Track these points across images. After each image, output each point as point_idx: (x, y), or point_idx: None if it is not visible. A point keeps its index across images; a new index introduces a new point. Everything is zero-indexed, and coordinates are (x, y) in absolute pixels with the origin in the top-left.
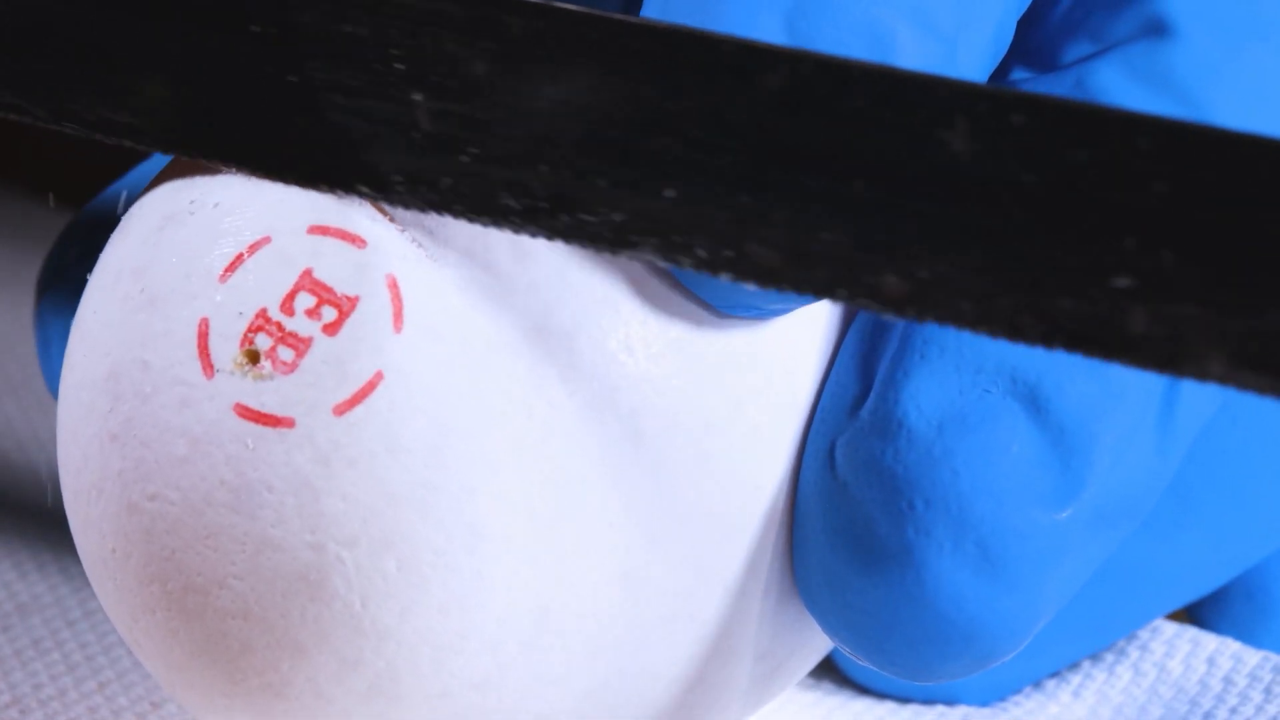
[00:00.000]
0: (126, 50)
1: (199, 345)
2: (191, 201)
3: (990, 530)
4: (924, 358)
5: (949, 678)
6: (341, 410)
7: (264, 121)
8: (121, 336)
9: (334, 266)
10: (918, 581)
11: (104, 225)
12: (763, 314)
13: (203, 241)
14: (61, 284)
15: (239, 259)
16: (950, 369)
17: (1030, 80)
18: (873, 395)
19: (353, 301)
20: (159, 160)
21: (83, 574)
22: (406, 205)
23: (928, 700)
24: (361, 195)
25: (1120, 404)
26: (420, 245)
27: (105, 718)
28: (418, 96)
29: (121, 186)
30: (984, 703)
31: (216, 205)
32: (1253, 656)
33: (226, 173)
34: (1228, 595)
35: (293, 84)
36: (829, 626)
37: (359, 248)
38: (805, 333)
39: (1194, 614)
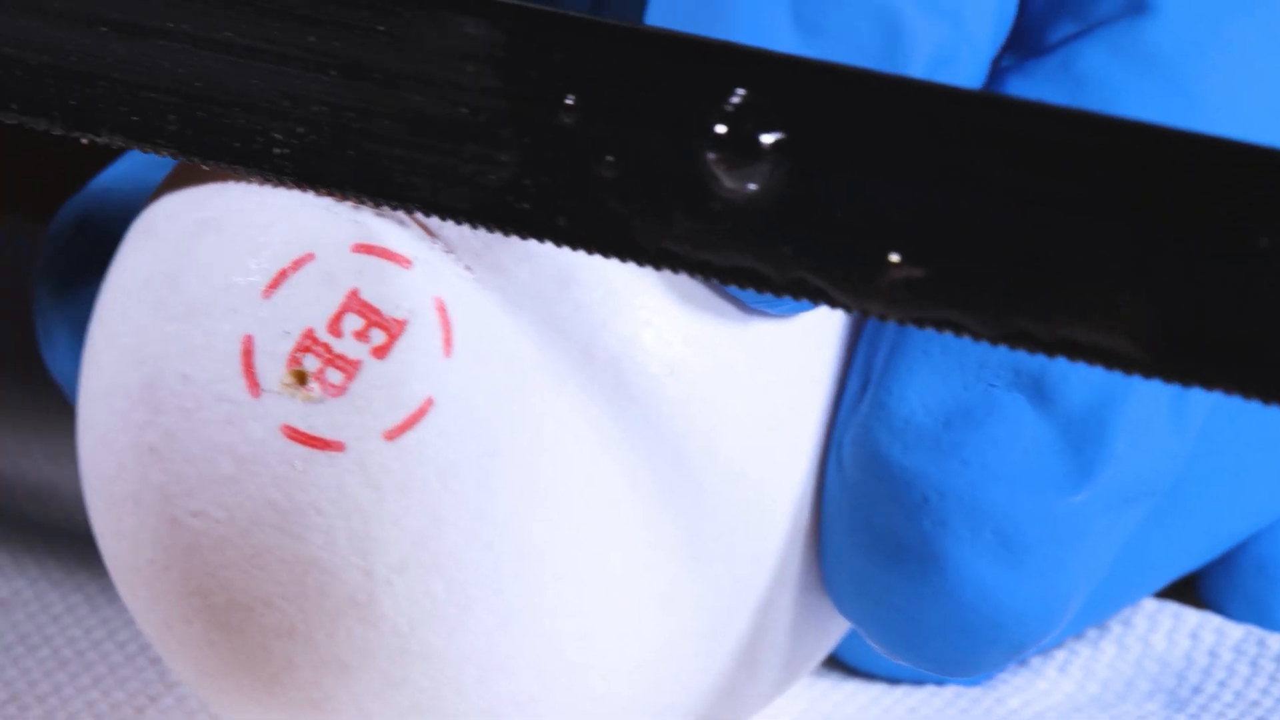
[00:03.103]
0: (1101, 264)
1: (244, 363)
2: (223, 209)
3: (1006, 517)
4: (926, 354)
5: (985, 670)
6: (392, 435)
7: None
8: (157, 346)
9: (380, 287)
10: (940, 573)
11: (101, 215)
12: (793, 309)
13: (241, 253)
14: (59, 272)
15: (282, 275)
16: (953, 364)
17: (1016, 65)
18: (877, 391)
19: (401, 325)
20: (145, 156)
21: (62, 569)
22: None
23: (917, 681)
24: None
25: (1130, 387)
26: (467, 267)
27: (103, 712)
28: None
29: (113, 176)
30: (973, 681)
31: (250, 217)
32: (1236, 630)
33: (252, 181)
34: (1239, 570)
35: None
36: (862, 626)
37: (405, 268)
38: (827, 340)
39: (1205, 590)
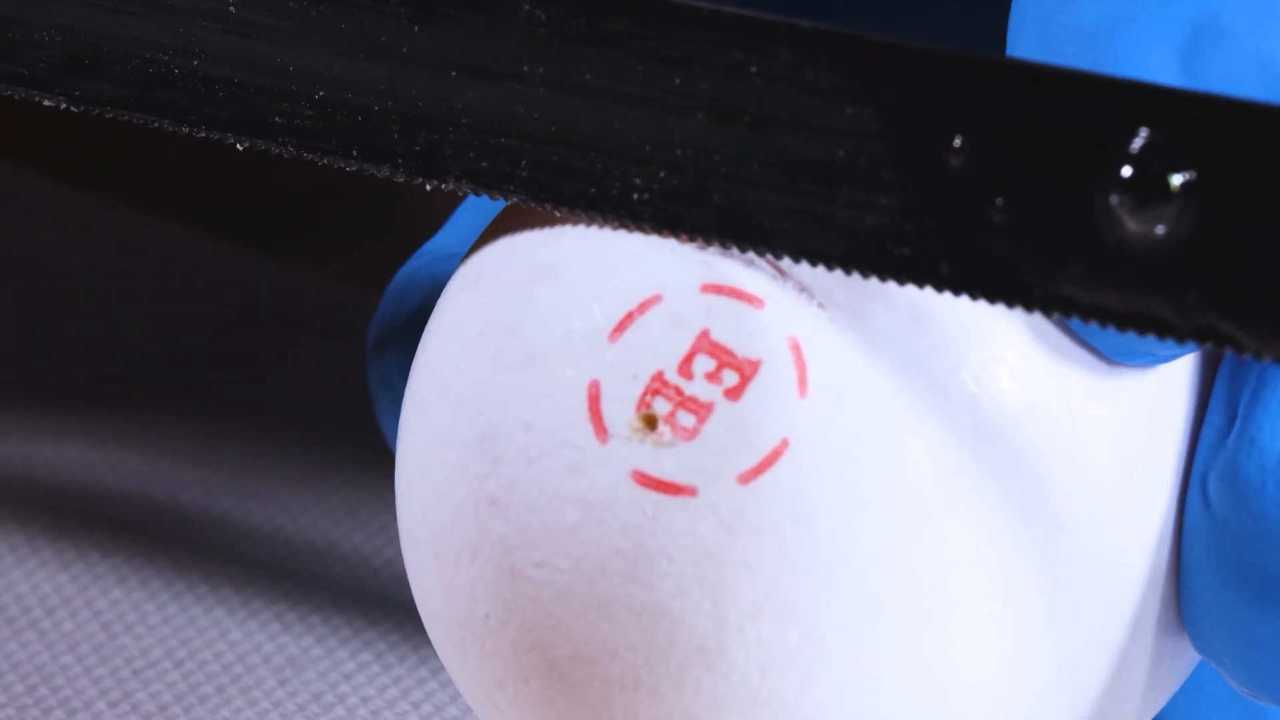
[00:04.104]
0: None
1: (590, 408)
2: (561, 254)
3: None
4: None
5: None
6: (746, 479)
7: None
8: (496, 396)
9: (732, 328)
10: None
11: (439, 279)
12: (1155, 360)
13: (583, 298)
14: (409, 341)
15: (628, 318)
16: None
17: None
18: (1244, 426)
19: (755, 365)
20: (479, 212)
21: (349, 628)
22: None
23: None
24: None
25: None
26: (820, 305)
27: None
28: None
29: (453, 240)
30: None
31: (591, 261)
32: None
33: (586, 225)
34: None
35: None
36: (1228, 668)
37: (756, 308)
38: (1181, 381)
39: None
